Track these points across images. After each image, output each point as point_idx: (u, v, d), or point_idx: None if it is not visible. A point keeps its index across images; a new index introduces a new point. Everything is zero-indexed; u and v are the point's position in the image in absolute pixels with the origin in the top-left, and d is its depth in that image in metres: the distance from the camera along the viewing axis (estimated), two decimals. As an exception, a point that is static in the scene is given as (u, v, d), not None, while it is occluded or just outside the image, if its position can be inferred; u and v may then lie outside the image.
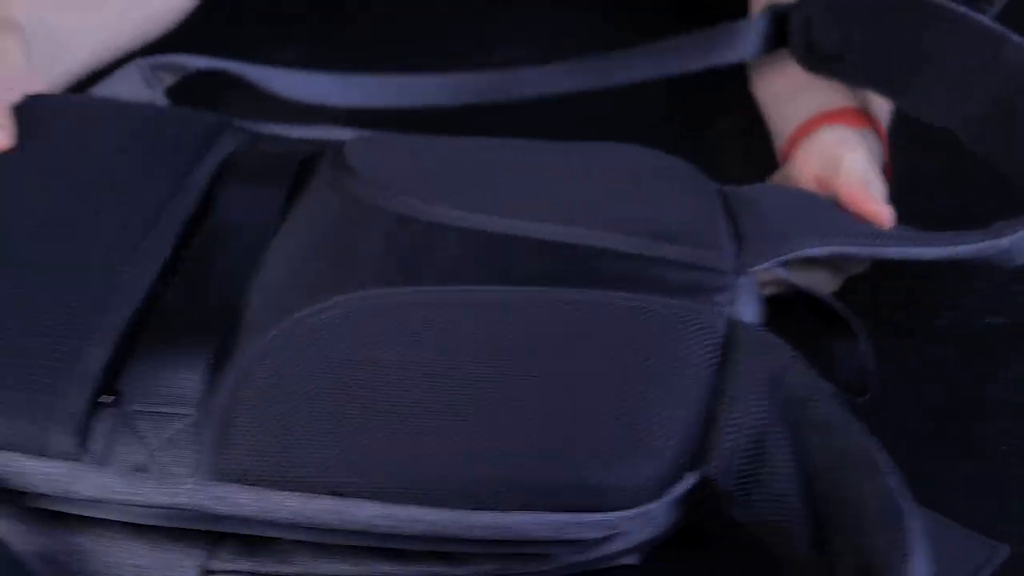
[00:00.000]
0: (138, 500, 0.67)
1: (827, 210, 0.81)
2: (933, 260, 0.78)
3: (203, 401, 0.68)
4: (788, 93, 0.94)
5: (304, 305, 0.71)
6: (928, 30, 0.86)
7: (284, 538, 0.69)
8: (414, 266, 0.73)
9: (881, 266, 0.87)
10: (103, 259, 0.73)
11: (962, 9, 0.85)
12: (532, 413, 0.67)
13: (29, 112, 0.81)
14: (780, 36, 0.95)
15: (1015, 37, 0.83)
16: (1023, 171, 0.83)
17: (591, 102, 1.04)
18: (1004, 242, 0.78)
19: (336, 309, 0.70)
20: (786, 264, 0.77)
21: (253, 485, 0.66)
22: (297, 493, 0.66)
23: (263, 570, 0.70)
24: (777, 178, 0.89)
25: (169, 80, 0.93)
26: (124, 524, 0.69)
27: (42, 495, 0.68)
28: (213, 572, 0.70)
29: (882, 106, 0.93)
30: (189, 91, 0.94)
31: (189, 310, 0.72)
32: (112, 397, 0.68)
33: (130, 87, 0.91)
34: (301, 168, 0.81)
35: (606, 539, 0.68)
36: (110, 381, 0.69)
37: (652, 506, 0.67)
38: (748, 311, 0.73)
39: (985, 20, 0.84)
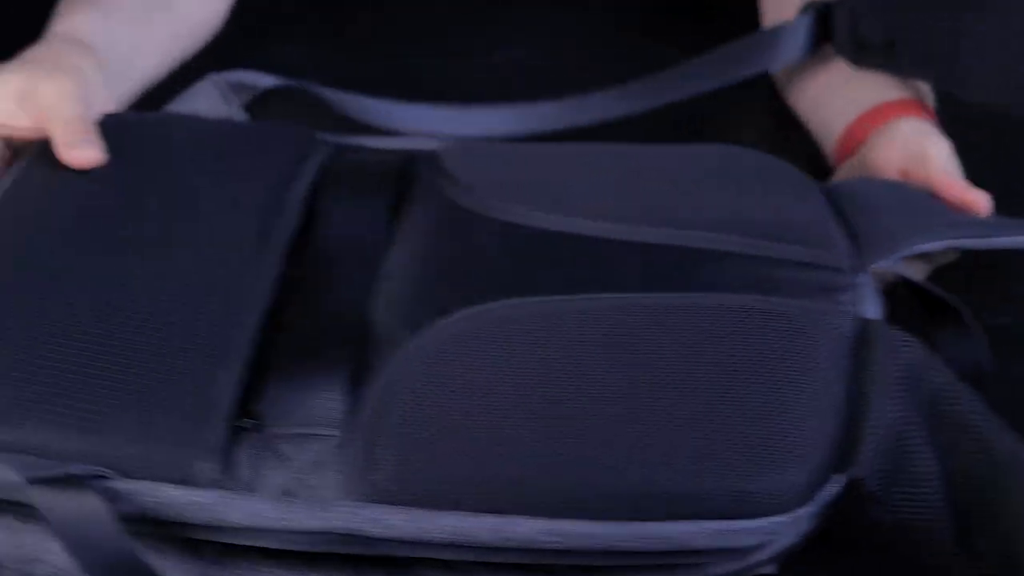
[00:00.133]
0: (290, 525, 0.66)
1: (926, 201, 0.80)
2: None
3: (346, 421, 0.67)
4: (834, 89, 0.94)
5: (432, 318, 0.69)
6: (972, 9, 0.86)
7: (431, 558, 0.68)
8: (532, 275, 0.72)
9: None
10: (220, 278, 0.72)
11: None
12: (679, 422, 0.66)
13: (113, 129, 0.80)
14: (824, 34, 0.94)
15: None
16: None
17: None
18: None
19: (466, 322, 0.69)
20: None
21: (406, 505, 0.65)
22: (452, 511, 0.65)
23: None
24: (846, 170, 0.88)
25: (245, 97, 0.92)
26: (267, 551, 0.68)
27: (189, 524, 0.66)
28: None
29: (928, 95, 0.92)
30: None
31: (317, 328, 0.70)
32: (252, 421, 0.67)
33: (207, 103, 0.89)
34: (399, 178, 0.80)
35: (757, 547, 0.67)
36: (247, 405, 0.68)
37: (804, 510, 0.66)
38: (872, 309, 0.73)
39: None
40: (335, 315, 0.71)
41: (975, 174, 0.91)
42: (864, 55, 0.92)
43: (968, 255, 0.84)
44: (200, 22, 0.95)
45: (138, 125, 0.82)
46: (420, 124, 0.93)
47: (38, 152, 0.80)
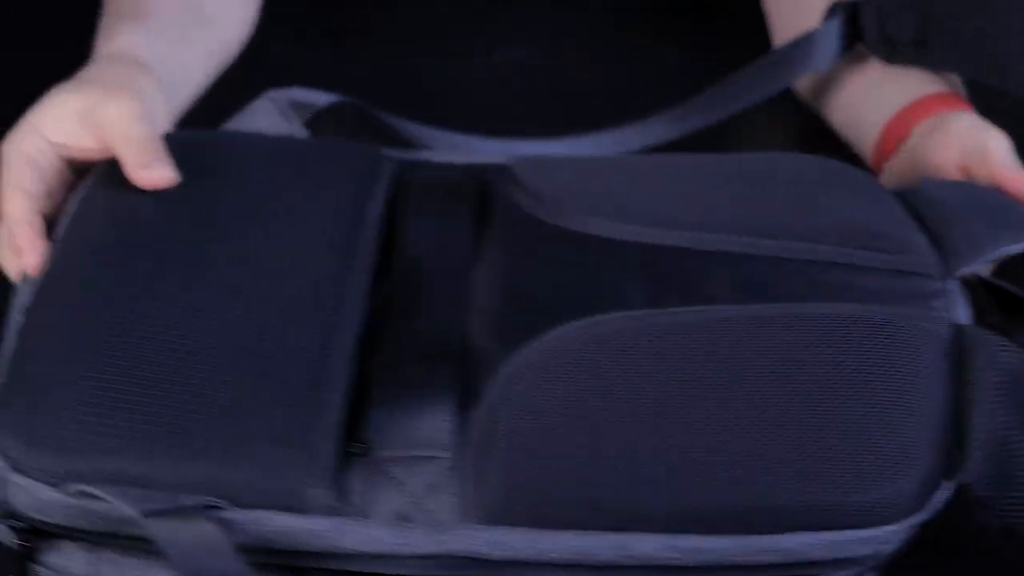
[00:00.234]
0: (407, 550, 0.65)
1: (997, 199, 0.79)
2: None
3: (457, 442, 0.66)
4: (867, 89, 0.93)
5: (533, 335, 0.69)
6: None
7: None
8: (624, 289, 0.71)
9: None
10: (309, 297, 0.71)
11: None
12: (788, 434, 0.65)
13: (180, 148, 0.78)
14: (854, 34, 0.94)
15: None
16: None
17: (585, 103, 1.04)
18: None
19: (569, 338, 0.69)
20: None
21: (523, 526, 0.64)
22: (571, 530, 0.64)
23: None
24: (895, 170, 0.88)
25: (303, 114, 0.91)
26: None
27: (302, 552, 0.66)
28: None
29: (960, 87, 0.92)
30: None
31: (416, 348, 0.70)
32: (361, 445, 0.66)
33: (267, 120, 0.88)
34: (474, 194, 0.79)
35: (870, 556, 0.67)
36: (353, 429, 0.67)
37: (915, 518, 0.66)
38: (963, 314, 0.72)
39: None
40: (432, 334, 0.70)
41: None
42: (896, 51, 0.92)
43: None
44: (233, 38, 0.94)
45: (205, 143, 0.81)
46: (476, 153, 0.92)
47: (102, 173, 0.78)
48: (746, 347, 0.68)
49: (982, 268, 0.81)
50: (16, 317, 0.72)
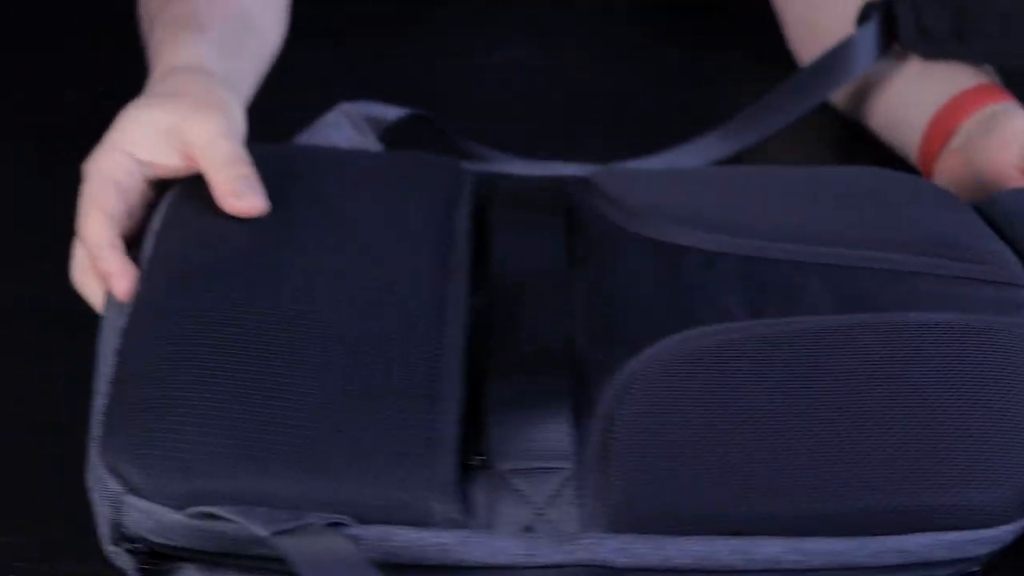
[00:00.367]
0: (534, 561, 0.65)
1: None
2: None
3: (576, 453, 0.66)
4: (907, 87, 0.94)
5: (636, 346, 0.69)
6: None
7: None
8: (724, 300, 0.72)
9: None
10: (410, 310, 0.71)
11: None
12: (905, 438, 0.67)
13: (265, 164, 0.78)
14: (890, 33, 0.94)
15: None
16: None
17: (580, 103, 1.04)
18: None
19: (673, 349, 0.69)
20: None
21: (648, 533, 0.65)
22: (697, 536, 0.65)
23: None
24: (949, 172, 0.88)
25: (378, 128, 0.90)
26: None
27: (425, 567, 0.66)
28: None
29: (997, 77, 0.92)
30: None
31: (525, 360, 0.70)
32: (481, 458, 0.66)
33: (340, 134, 0.87)
34: (560, 205, 0.79)
35: (986, 556, 0.68)
36: (471, 442, 0.67)
37: None
38: None
39: None
40: (537, 346, 0.71)
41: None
42: (934, 47, 0.92)
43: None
44: (274, 48, 0.93)
45: (289, 158, 0.80)
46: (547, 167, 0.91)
47: (183, 189, 0.77)
48: (852, 355, 0.69)
49: None
50: (109, 340, 0.72)
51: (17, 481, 0.76)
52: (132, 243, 0.76)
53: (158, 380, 0.67)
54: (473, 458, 0.66)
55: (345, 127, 0.87)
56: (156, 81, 0.82)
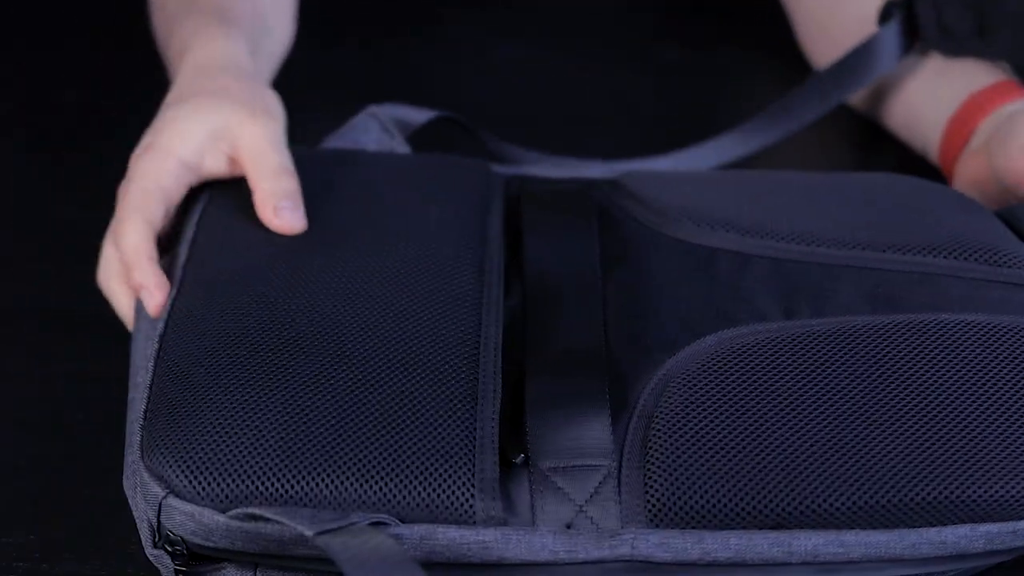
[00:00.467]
0: (575, 558, 0.65)
1: None
2: None
3: (615, 450, 0.67)
4: (922, 86, 0.94)
5: (672, 346, 0.71)
6: None
7: None
8: (756, 301, 0.73)
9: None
10: (452, 313, 0.71)
11: None
12: (944, 432, 0.67)
13: (301, 168, 0.78)
14: (911, 33, 0.94)
15: None
16: None
17: (575, 101, 1.04)
18: None
19: (709, 349, 0.70)
20: None
21: (689, 527, 0.65)
22: (737, 531, 0.65)
23: None
24: (971, 169, 0.88)
25: (406, 130, 0.89)
26: None
27: (465, 565, 0.66)
28: None
29: (1013, 74, 0.93)
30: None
31: (561, 360, 0.70)
32: (522, 456, 0.67)
33: (368, 137, 0.87)
34: (590, 207, 0.80)
35: (1020, 548, 0.69)
36: (511, 441, 0.67)
37: None
38: None
39: None
40: (573, 346, 0.71)
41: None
42: (956, 44, 0.92)
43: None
44: (285, 49, 0.93)
45: (323, 161, 0.81)
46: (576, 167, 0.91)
47: (217, 194, 0.78)
48: (886, 353, 0.70)
49: None
50: (143, 347, 0.72)
51: (17, 481, 0.76)
52: (162, 246, 0.76)
53: (198, 384, 0.67)
54: (515, 455, 0.67)
55: (374, 130, 0.87)
56: (192, 76, 0.81)
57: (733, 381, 0.69)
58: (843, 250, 0.76)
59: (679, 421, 0.67)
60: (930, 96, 0.93)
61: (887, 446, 0.67)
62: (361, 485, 0.65)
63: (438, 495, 0.65)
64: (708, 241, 0.77)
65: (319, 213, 0.77)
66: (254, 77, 0.81)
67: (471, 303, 0.72)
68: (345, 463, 0.65)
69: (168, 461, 0.65)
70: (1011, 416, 0.68)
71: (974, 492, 0.66)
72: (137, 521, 0.67)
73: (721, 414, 0.68)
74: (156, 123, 0.78)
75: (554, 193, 0.81)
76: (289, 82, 0.92)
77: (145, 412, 0.67)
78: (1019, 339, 0.71)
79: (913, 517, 0.66)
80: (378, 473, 0.65)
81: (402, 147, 0.86)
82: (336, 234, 0.75)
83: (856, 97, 0.99)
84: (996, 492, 0.66)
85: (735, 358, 0.70)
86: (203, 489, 0.64)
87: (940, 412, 0.68)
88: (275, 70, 0.90)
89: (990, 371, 0.70)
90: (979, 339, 0.71)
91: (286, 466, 0.65)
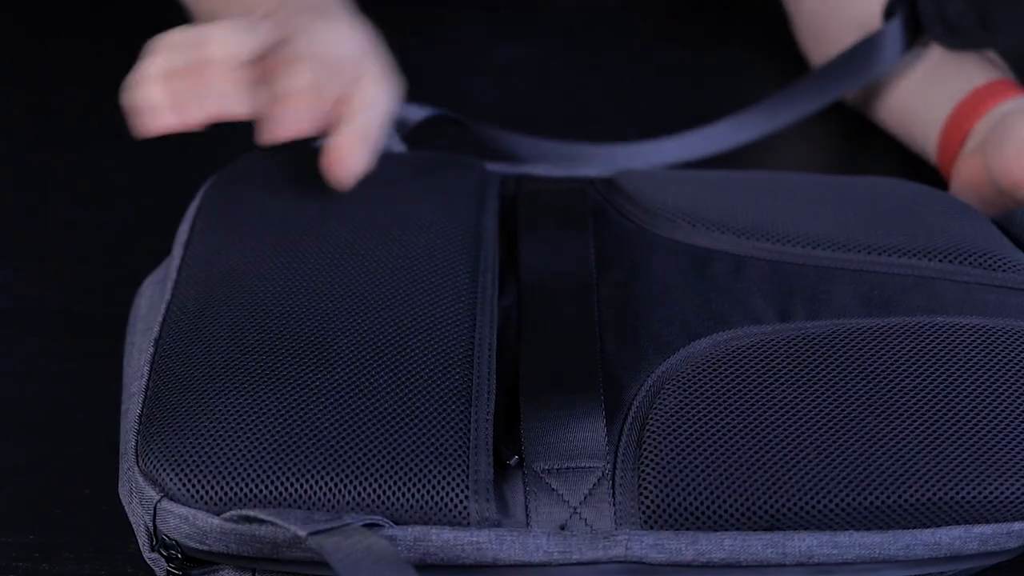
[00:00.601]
0: (570, 559, 0.66)
1: None
2: None
3: (610, 452, 0.67)
4: (919, 84, 0.94)
5: (667, 348, 0.71)
6: None
7: None
8: (751, 304, 0.73)
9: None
10: (447, 313, 0.71)
11: None
12: (942, 434, 0.68)
13: (289, 166, 0.79)
14: (915, 29, 0.94)
15: None
16: None
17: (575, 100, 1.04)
18: None
19: (704, 351, 0.71)
20: None
21: (684, 529, 0.66)
22: (731, 532, 0.66)
23: None
24: (967, 173, 0.88)
25: (402, 128, 0.89)
26: None
27: (458, 566, 0.66)
28: None
29: (1009, 71, 0.93)
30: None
31: (555, 362, 0.70)
32: (517, 458, 0.67)
33: None
34: (585, 206, 0.80)
35: (1017, 548, 0.69)
36: (505, 441, 0.68)
37: None
38: None
39: None
40: (567, 347, 0.71)
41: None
42: (960, 38, 0.92)
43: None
44: None
45: (312, 159, 0.80)
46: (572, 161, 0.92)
47: (209, 197, 0.78)
48: (881, 356, 0.71)
49: None
50: (137, 353, 0.73)
51: (17, 481, 0.76)
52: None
53: (192, 387, 0.68)
54: (509, 457, 0.67)
55: None
56: None
57: (727, 383, 0.69)
58: (839, 253, 0.76)
59: (673, 423, 0.68)
60: (926, 97, 0.93)
61: (881, 448, 0.67)
62: (355, 486, 0.65)
63: (432, 496, 0.65)
64: (703, 242, 0.77)
65: (310, 212, 0.76)
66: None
67: (466, 303, 0.72)
68: (339, 464, 0.65)
69: (162, 464, 0.65)
70: (1005, 418, 0.68)
71: (968, 493, 0.66)
72: (134, 526, 0.67)
73: (715, 416, 0.68)
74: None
75: (549, 192, 0.81)
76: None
77: (140, 416, 0.67)
78: (1014, 342, 0.71)
79: (907, 518, 0.66)
80: (372, 474, 0.65)
81: (398, 145, 0.86)
82: (328, 233, 0.75)
83: (853, 96, 0.99)
84: (991, 493, 0.66)
85: (730, 360, 0.70)
86: (197, 492, 0.64)
87: (934, 414, 0.68)
88: None
89: (985, 374, 0.70)
90: (974, 342, 0.71)
91: (280, 468, 0.65)
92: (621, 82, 1.08)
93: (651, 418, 0.68)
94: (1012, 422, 0.68)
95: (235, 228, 0.76)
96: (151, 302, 0.76)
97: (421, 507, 0.65)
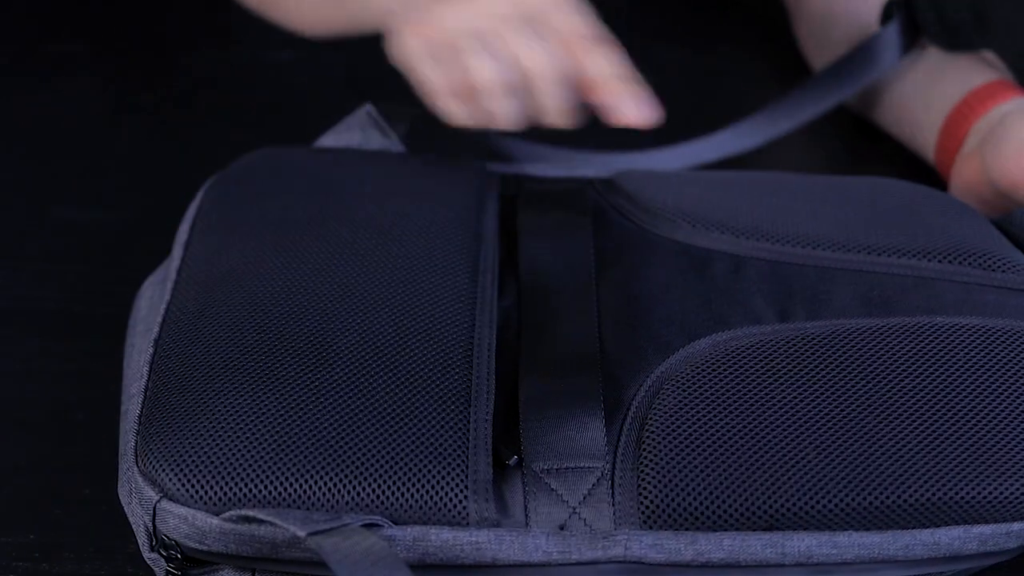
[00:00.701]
0: (570, 559, 0.66)
1: None
2: None
3: (609, 452, 0.67)
4: (917, 85, 0.94)
5: (667, 348, 0.71)
6: None
7: None
8: (751, 304, 0.74)
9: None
10: (447, 314, 0.71)
11: None
12: (941, 434, 0.68)
13: (298, 168, 0.79)
14: (913, 31, 0.94)
15: None
16: None
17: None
18: None
19: (704, 351, 0.71)
20: None
21: (683, 529, 0.66)
22: (730, 532, 0.66)
23: None
24: (966, 174, 0.88)
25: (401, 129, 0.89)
26: None
27: (457, 566, 0.66)
28: None
29: (1008, 72, 0.93)
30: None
31: (555, 362, 0.71)
32: (516, 458, 0.67)
33: (364, 136, 0.86)
34: (585, 207, 0.80)
35: (1016, 549, 0.69)
36: (504, 441, 0.68)
37: None
38: None
39: None
40: (567, 347, 0.71)
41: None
42: (958, 39, 0.92)
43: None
44: None
45: (321, 162, 0.81)
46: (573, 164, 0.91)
47: (208, 196, 0.78)
48: (880, 356, 0.71)
49: None
50: (136, 353, 0.73)
51: (17, 481, 0.76)
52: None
53: (192, 387, 0.68)
54: (508, 457, 0.67)
55: (369, 128, 0.87)
56: None
57: (727, 383, 0.69)
58: (838, 253, 0.76)
59: (673, 423, 0.68)
60: (925, 98, 0.93)
61: (881, 448, 0.67)
62: (354, 486, 0.65)
63: (431, 496, 0.65)
64: (703, 243, 0.77)
65: (310, 212, 0.76)
66: None
67: (465, 303, 0.72)
68: (338, 464, 0.65)
69: (161, 465, 0.65)
70: (1005, 418, 0.68)
71: (968, 493, 0.66)
72: (134, 526, 0.67)
73: (715, 416, 0.68)
74: None
75: (549, 193, 0.81)
76: (288, 82, 0.92)
77: (140, 416, 0.67)
78: (1013, 342, 0.71)
79: (907, 518, 0.66)
80: (371, 474, 0.65)
81: (397, 146, 0.86)
82: (328, 234, 0.75)
83: (853, 98, 0.99)
84: (990, 493, 0.66)
85: (729, 360, 0.70)
86: (196, 492, 0.64)
87: (934, 414, 0.68)
88: None
89: (984, 374, 0.70)
90: (973, 342, 0.71)
91: (279, 468, 0.65)
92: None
93: (650, 418, 0.68)
94: (1012, 422, 0.68)
95: (235, 228, 0.76)
96: (151, 303, 0.76)
97: (420, 507, 0.65)
